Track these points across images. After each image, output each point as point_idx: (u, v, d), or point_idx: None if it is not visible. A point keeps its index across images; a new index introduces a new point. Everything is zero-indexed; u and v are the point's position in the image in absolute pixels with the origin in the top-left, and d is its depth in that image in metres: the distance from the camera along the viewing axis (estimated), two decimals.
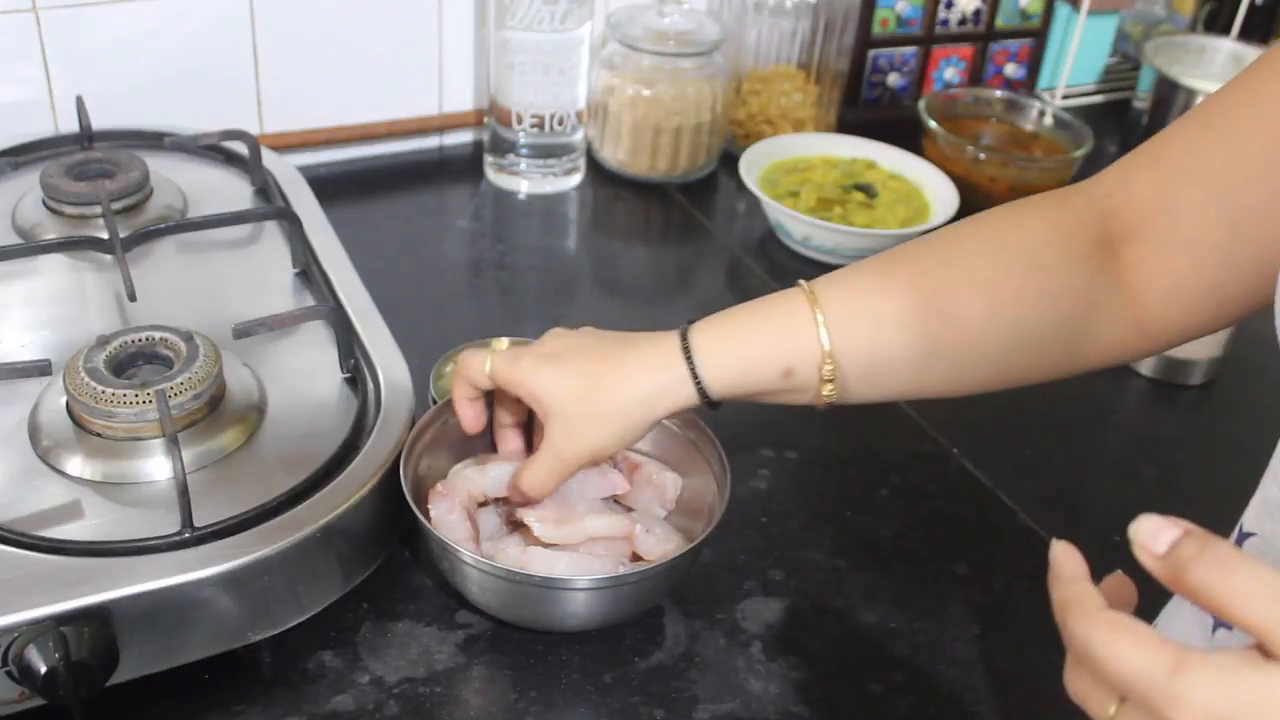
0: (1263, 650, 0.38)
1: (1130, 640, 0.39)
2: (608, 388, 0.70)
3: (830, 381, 0.68)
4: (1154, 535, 0.41)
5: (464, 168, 1.28)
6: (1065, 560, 0.45)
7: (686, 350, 0.70)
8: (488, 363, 0.73)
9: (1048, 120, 1.34)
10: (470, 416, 0.77)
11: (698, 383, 0.69)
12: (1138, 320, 0.67)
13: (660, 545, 0.76)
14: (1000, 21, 1.42)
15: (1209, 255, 0.63)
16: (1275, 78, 0.61)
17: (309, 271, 0.92)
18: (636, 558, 0.77)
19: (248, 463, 0.74)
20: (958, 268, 0.69)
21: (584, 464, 0.73)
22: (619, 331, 0.75)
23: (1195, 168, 0.64)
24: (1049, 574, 0.44)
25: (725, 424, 0.81)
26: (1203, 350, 1.03)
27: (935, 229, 0.77)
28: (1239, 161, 0.62)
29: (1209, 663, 0.38)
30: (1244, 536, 0.55)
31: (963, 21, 1.40)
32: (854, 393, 0.70)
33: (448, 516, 0.75)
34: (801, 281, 0.71)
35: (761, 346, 0.69)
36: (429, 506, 0.76)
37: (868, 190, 1.20)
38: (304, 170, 1.08)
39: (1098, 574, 0.76)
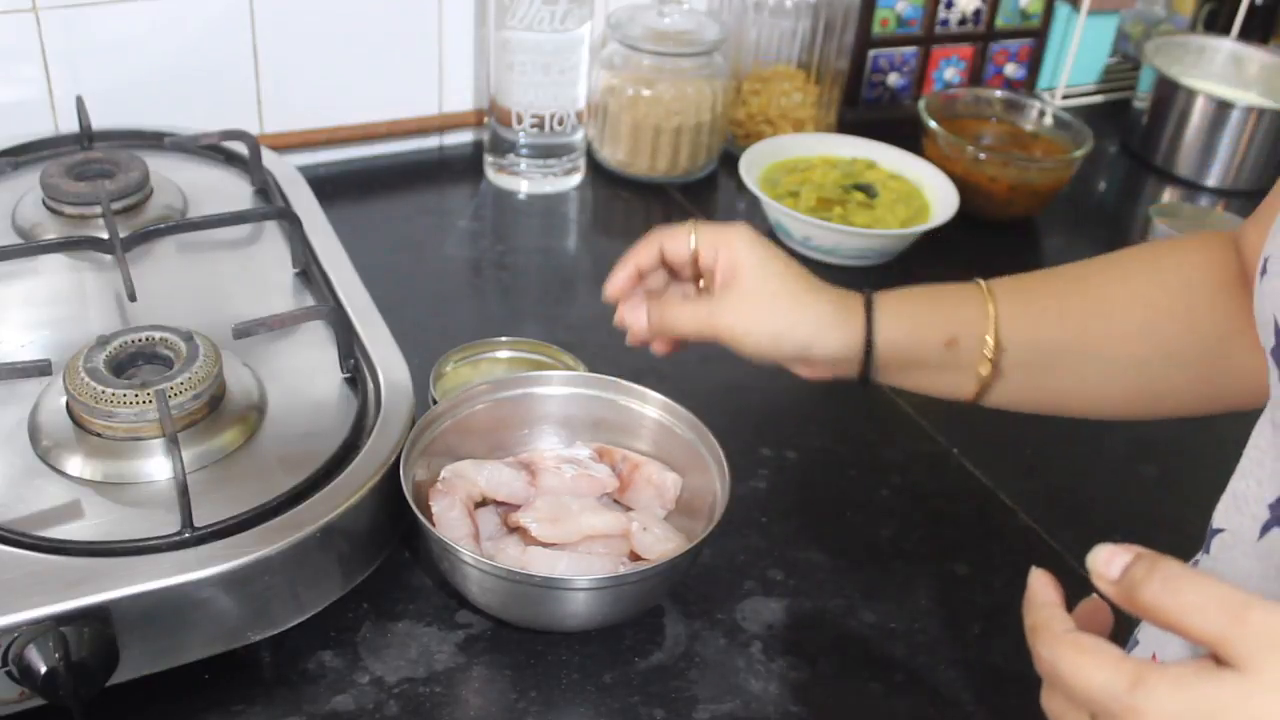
0: (1216, 659, 0.39)
1: (1092, 659, 0.41)
2: (795, 304, 0.73)
3: (990, 361, 0.71)
4: (1107, 562, 0.43)
5: (464, 168, 1.28)
6: (1040, 588, 0.47)
7: (869, 302, 0.73)
8: (692, 232, 0.75)
9: (1048, 120, 1.34)
10: (622, 278, 0.77)
11: (869, 332, 0.72)
12: (1258, 364, 0.68)
13: (660, 545, 0.76)
14: (1000, 21, 1.42)
15: None
16: None
17: (309, 271, 0.92)
18: (636, 558, 0.77)
19: (248, 463, 0.74)
20: (1118, 279, 0.72)
21: (724, 339, 0.73)
22: None
23: None
24: (1024, 600, 0.46)
25: (725, 424, 0.81)
26: None
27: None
28: None
29: (1166, 675, 0.39)
30: (1214, 533, 0.56)
31: (963, 21, 1.40)
32: (1010, 383, 0.72)
33: (448, 514, 0.75)
34: (983, 283, 0.74)
35: (934, 314, 0.73)
36: (429, 504, 0.76)
37: (868, 190, 1.20)
38: (304, 170, 1.08)
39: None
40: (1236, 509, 0.55)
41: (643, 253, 0.77)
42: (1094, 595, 0.47)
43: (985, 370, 0.71)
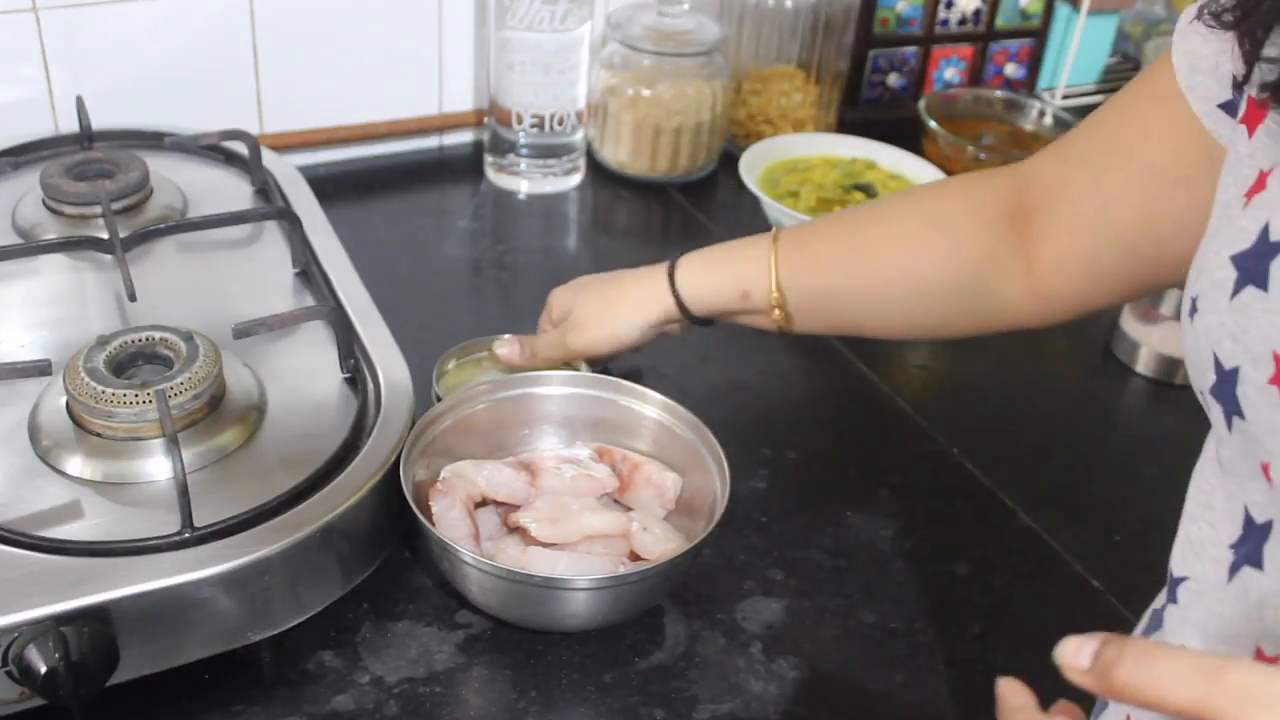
0: None
1: None
2: (616, 304, 0.88)
3: (778, 308, 0.83)
4: (1075, 653, 0.42)
5: (464, 168, 1.28)
6: (1011, 694, 0.47)
7: (671, 271, 0.87)
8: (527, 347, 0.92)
9: (1048, 120, 1.34)
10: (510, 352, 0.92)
11: (676, 295, 0.86)
12: (1033, 286, 0.75)
13: (659, 544, 0.76)
14: (1000, 21, 1.42)
15: (1084, 231, 0.71)
16: (1161, 73, 0.63)
17: (309, 271, 0.92)
18: (636, 558, 0.77)
19: (248, 463, 0.74)
20: (885, 225, 0.82)
21: (583, 353, 0.89)
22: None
23: (1086, 151, 0.71)
24: (996, 709, 0.46)
25: (725, 424, 0.81)
26: None
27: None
28: (1113, 147, 0.68)
29: None
30: (1176, 582, 0.56)
31: (963, 21, 1.40)
32: (799, 321, 0.84)
33: (448, 514, 0.75)
34: (775, 229, 0.85)
35: (728, 272, 0.85)
36: (429, 504, 0.76)
37: (868, 190, 1.20)
38: (304, 170, 1.08)
39: (1103, 571, 0.77)
40: (1196, 555, 0.55)
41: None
42: (1062, 700, 0.47)
43: (777, 314, 0.83)
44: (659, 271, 0.87)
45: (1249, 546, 0.51)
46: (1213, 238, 0.51)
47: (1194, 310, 0.52)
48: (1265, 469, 0.48)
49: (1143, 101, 0.66)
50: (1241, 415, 0.49)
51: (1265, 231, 0.47)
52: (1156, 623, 0.59)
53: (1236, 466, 0.52)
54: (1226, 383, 0.50)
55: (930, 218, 0.80)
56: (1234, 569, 0.52)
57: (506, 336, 0.91)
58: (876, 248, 0.81)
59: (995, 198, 0.77)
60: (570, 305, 0.90)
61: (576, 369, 0.90)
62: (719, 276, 0.86)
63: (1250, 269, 0.48)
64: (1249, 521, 0.52)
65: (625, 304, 0.88)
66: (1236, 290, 0.48)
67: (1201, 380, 0.53)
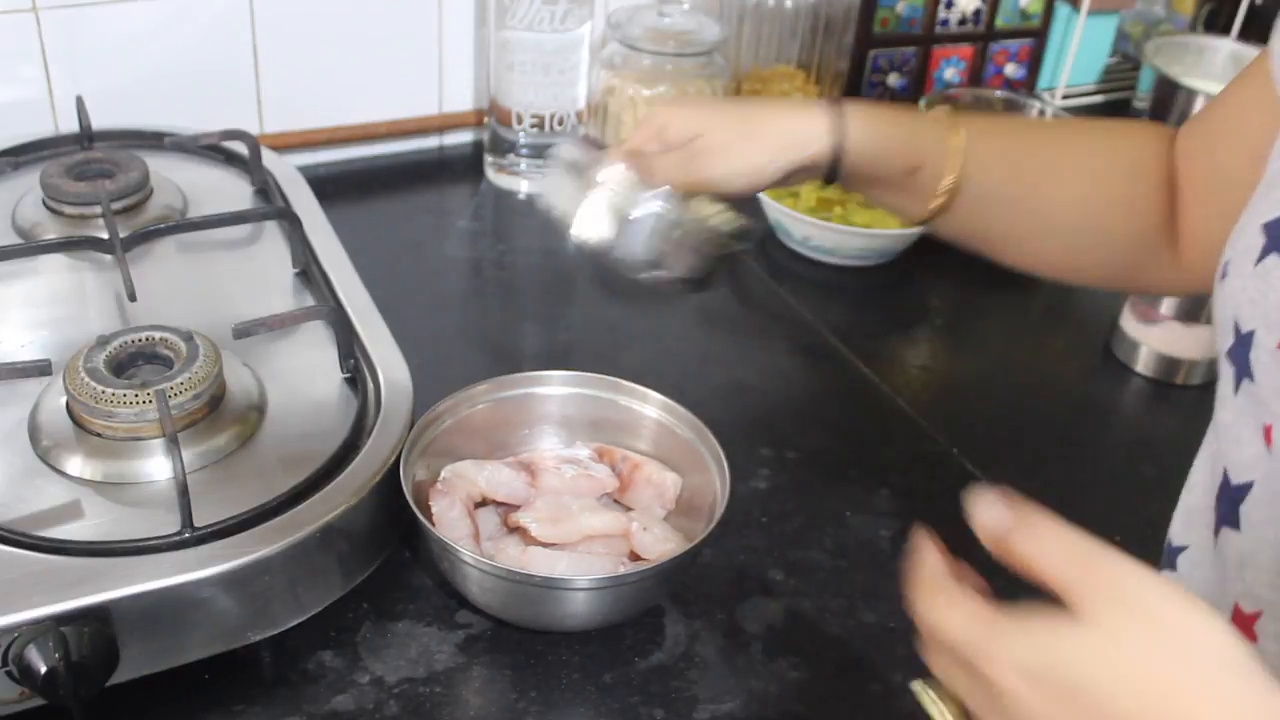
0: (1067, 608, 0.41)
1: (955, 609, 0.44)
2: (759, 126, 0.76)
3: (945, 195, 0.75)
4: (984, 511, 0.46)
5: (464, 168, 1.28)
6: (923, 546, 0.48)
7: (839, 116, 0.75)
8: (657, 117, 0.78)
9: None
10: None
11: (840, 135, 0.74)
12: (1174, 256, 0.74)
13: (659, 545, 0.76)
14: (1000, 21, 1.42)
15: (1210, 206, 0.70)
16: (1264, 57, 0.64)
17: (309, 271, 0.92)
18: (636, 558, 0.77)
19: (248, 463, 0.74)
20: (1075, 151, 0.77)
21: (716, 185, 0.77)
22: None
23: (1208, 128, 0.71)
24: (910, 564, 0.47)
25: (725, 424, 0.81)
26: (1202, 350, 1.03)
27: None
28: (1226, 127, 0.68)
29: (1017, 623, 0.41)
30: (1175, 551, 0.56)
31: (963, 21, 1.40)
32: (954, 218, 0.76)
33: (448, 514, 0.75)
34: (944, 111, 0.79)
35: (904, 136, 0.75)
36: (429, 504, 0.76)
37: None
38: (304, 170, 1.08)
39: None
40: (1192, 525, 0.56)
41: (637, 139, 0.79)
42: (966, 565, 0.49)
43: (936, 204, 0.75)
44: (815, 105, 0.76)
45: (1224, 506, 0.52)
46: (1253, 205, 0.52)
47: (1223, 274, 0.53)
48: (1267, 431, 0.49)
49: (1247, 82, 0.67)
50: (1251, 377, 0.50)
51: None
52: None
53: (1229, 430, 0.53)
54: (1242, 345, 0.50)
55: (1122, 159, 0.76)
56: (1216, 530, 0.53)
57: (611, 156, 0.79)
58: (1065, 171, 0.76)
59: (1166, 159, 0.75)
60: (698, 127, 0.76)
61: (704, 212, 0.81)
62: (895, 136, 0.76)
63: (1278, 237, 0.48)
64: (1225, 482, 0.52)
65: (773, 133, 0.76)
66: (1261, 256, 0.49)
67: (1222, 343, 0.53)
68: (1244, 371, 0.51)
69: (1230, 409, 0.53)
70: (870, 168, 0.76)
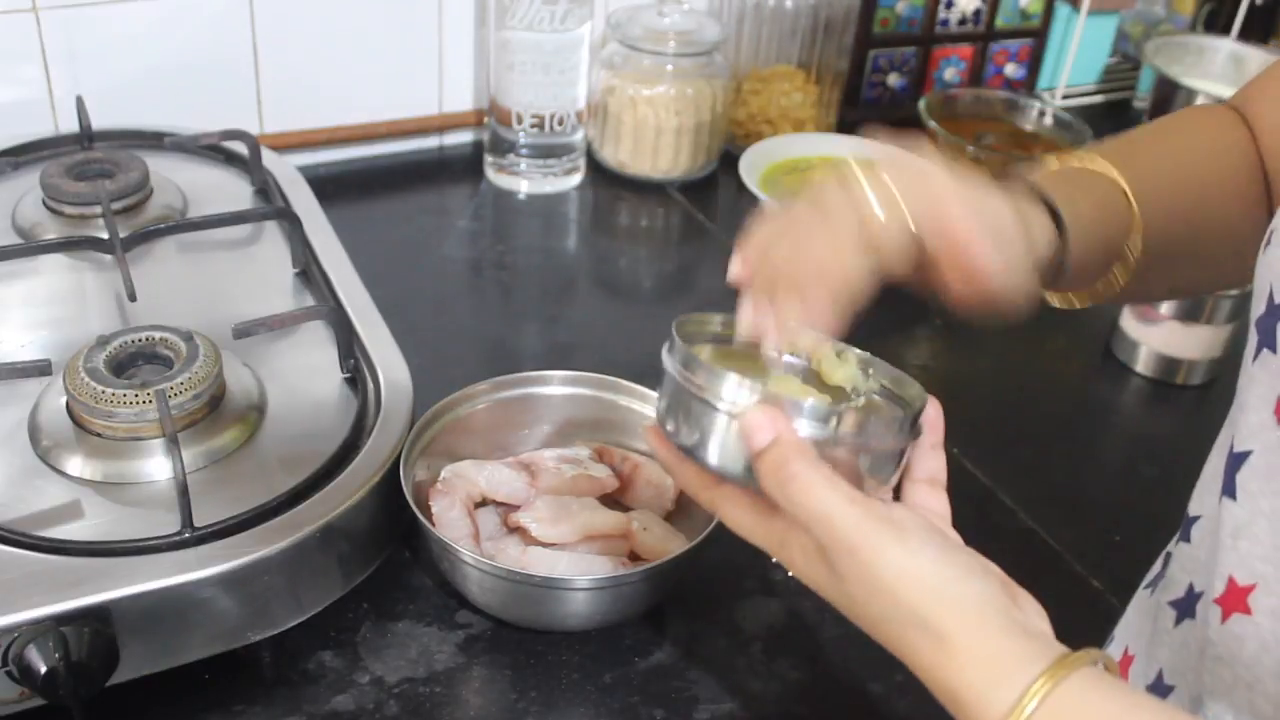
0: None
1: (748, 517, 0.54)
2: (997, 211, 0.58)
3: (1131, 267, 0.65)
4: (752, 431, 0.51)
5: (464, 168, 1.28)
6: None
7: (1046, 201, 0.62)
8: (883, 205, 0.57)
9: (1048, 120, 1.34)
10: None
11: (1062, 252, 0.61)
12: None
13: (660, 545, 0.76)
14: (1000, 21, 1.42)
15: None
16: None
17: (309, 271, 0.92)
18: (636, 557, 0.77)
19: (248, 463, 0.74)
20: (1217, 169, 0.67)
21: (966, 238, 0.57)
22: None
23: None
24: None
25: None
26: (1202, 350, 1.03)
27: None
28: None
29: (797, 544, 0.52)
30: (1190, 521, 0.56)
31: (963, 21, 1.40)
32: (1134, 284, 0.66)
33: (448, 514, 0.75)
34: (1081, 154, 0.67)
35: (1100, 222, 0.63)
36: (429, 504, 0.76)
37: None
38: (304, 170, 1.08)
39: (1103, 571, 0.76)
40: (1204, 492, 0.56)
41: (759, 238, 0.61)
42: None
43: (1124, 277, 0.65)
44: (1032, 207, 0.61)
45: (1227, 474, 0.52)
46: None
47: (1268, 242, 0.52)
48: (1278, 404, 0.49)
49: None
50: (1273, 349, 0.50)
51: None
52: (1165, 563, 0.60)
53: (1239, 395, 0.53)
54: (1271, 315, 0.51)
55: (1244, 160, 0.67)
56: (1220, 499, 0.53)
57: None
58: (1216, 195, 0.67)
59: (1248, 134, 0.68)
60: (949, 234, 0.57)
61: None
62: (1095, 229, 0.62)
63: None
64: (1230, 449, 0.53)
65: (1009, 221, 0.58)
66: None
67: (1256, 310, 0.53)
68: (1266, 341, 0.51)
69: (1246, 375, 0.53)
70: (1083, 267, 0.63)
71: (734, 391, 0.53)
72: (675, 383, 0.55)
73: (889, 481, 0.55)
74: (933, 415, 0.56)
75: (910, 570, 0.47)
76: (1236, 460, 0.52)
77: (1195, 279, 0.72)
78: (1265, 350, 0.51)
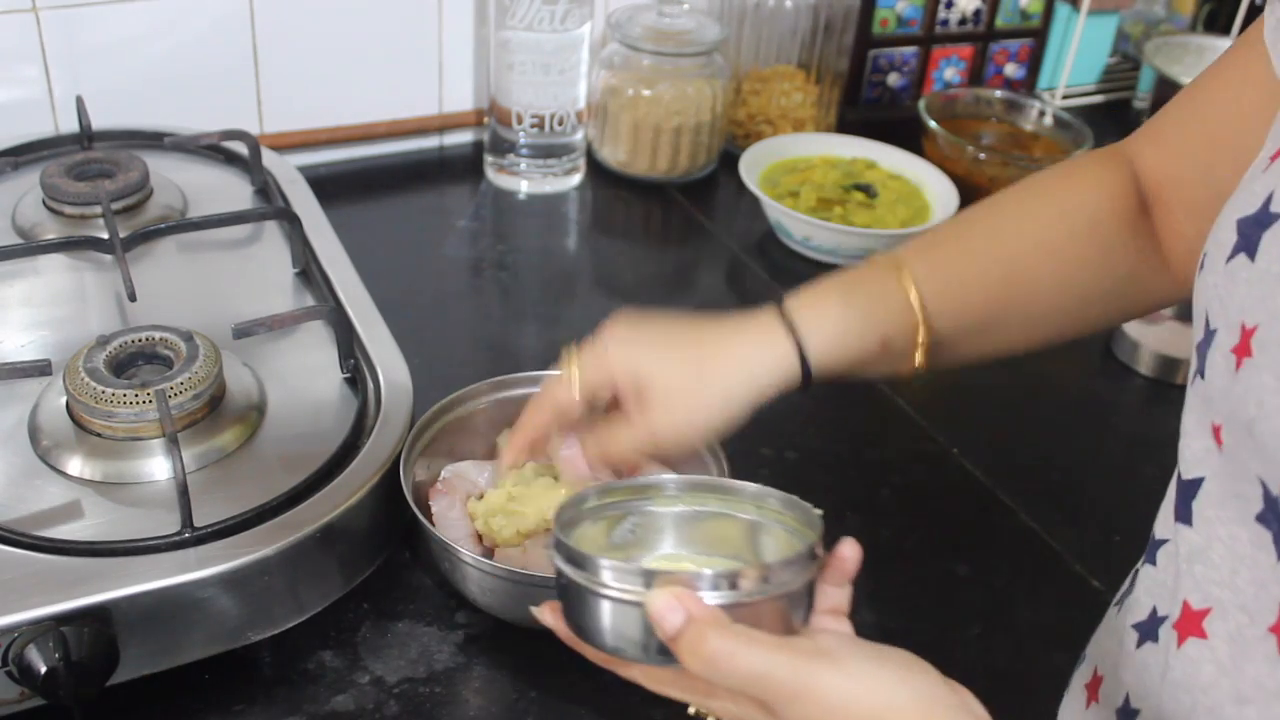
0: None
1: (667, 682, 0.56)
2: (714, 370, 0.67)
3: (923, 346, 0.69)
4: (661, 616, 0.51)
5: (464, 168, 1.28)
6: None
7: (791, 328, 0.68)
8: (572, 379, 0.69)
9: (1048, 120, 1.34)
10: (517, 451, 0.72)
11: (804, 359, 0.68)
12: (1171, 274, 0.71)
13: None
14: (1000, 21, 1.42)
15: (1205, 219, 0.65)
16: (1245, 60, 0.63)
17: (309, 271, 0.92)
18: None
19: (248, 463, 0.74)
20: (1028, 234, 0.71)
21: (674, 446, 0.69)
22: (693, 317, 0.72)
23: (1184, 146, 0.68)
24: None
25: None
26: None
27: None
28: (1215, 141, 0.65)
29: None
30: (1156, 545, 0.56)
31: (963, 21, 1.40)
32: (941, 358, 0.71)
33: (448, 514, 0.75)
34: (891, 255, 0.72)
35: (859, 318, 0.69)
36: (429, 504, 0.76)
37: (868, 190, 1.20)
38: (304, 170, 1.08)
39: (1103, 571, 0.76)
40: (1167, 517, 0.56)
41: (532, 422, 0.71)
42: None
43: (920, 357, 0.70)
44: (763, 321, 0.68)
45: (1180, 503, 0.52)
46: (1233, 199, 0.51)
47: (1201, 266, 0.52)
48: (1216, 432, 0.49)
49: (1226, 74, 0.64)
50: (1203, 375, 0.50)
51: (1269, 201, 0.47)
52: (1132, 583, 0.60)
53: (1182, 422, 0.53)
54: (1206, 342, 0.51)
55: (1072, 219, 0.71)
56: (1175, 526, 0.53)
57: (565, 444, 0.71)
58: (1027, 264, 0.71)
59: (1125, 190, 0.71)
60: (642, 375, 0.67)
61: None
62: (855, 322, 0.69)
63: (1246, 236, 0.48)
64: (1178, 476, 0.53)
65: (728, 370, 0.67)
66: (1232, 255, 0.49)
67: (1195, 335, 0.53)
68: (1200, 367, 0.51)
69: (1186, 402, 0.53)
70: (842, 363, 0.69)
71: (629, 579, 0.52)
72: (567, 578, 0.54)
73: (807, 617, 0.57)
74: (848, 554, 0.58)
75: (856, 693, 0.49)
76: (1189, 488, 0.52)
77: (1044, 333, 0.74)
78: (1198, 377, 0.51)
